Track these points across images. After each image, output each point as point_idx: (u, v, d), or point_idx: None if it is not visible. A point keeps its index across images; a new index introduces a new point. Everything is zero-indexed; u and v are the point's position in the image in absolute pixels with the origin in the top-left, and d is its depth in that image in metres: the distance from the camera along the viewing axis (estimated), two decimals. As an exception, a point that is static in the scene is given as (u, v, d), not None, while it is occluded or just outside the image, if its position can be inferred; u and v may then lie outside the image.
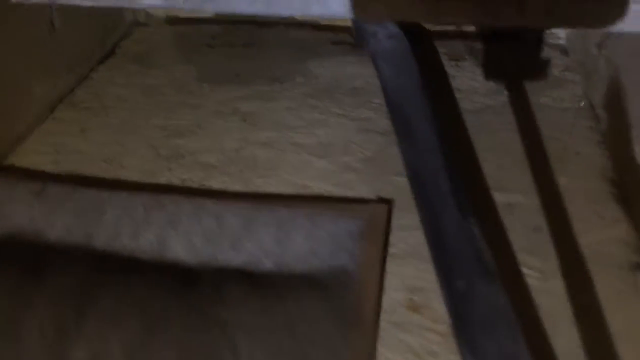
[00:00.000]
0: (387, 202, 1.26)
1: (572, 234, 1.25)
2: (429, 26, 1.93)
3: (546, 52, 1.91)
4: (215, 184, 1.31)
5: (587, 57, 1.69)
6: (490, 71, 1.79)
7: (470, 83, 1.76)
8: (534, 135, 1.54)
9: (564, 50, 1.90)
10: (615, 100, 1.44)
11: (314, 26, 1.99)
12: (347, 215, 1.18)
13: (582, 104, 1.65)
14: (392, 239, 1.21)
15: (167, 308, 0.95)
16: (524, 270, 1.18)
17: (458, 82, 1.76)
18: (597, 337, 1.06)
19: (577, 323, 1.07)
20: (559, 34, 1.96)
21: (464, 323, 0.88)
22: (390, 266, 1.15)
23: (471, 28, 2.01)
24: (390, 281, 1.13)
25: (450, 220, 1.01)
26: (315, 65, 1.79)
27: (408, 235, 1.20)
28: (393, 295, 1.10)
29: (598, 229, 1.26)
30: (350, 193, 1.31)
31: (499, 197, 1.34)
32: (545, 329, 1.07)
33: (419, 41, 1.41)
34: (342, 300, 1.00)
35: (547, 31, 1.98)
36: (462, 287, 0.92)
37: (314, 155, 1.43)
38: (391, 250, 1.19)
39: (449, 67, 1.84)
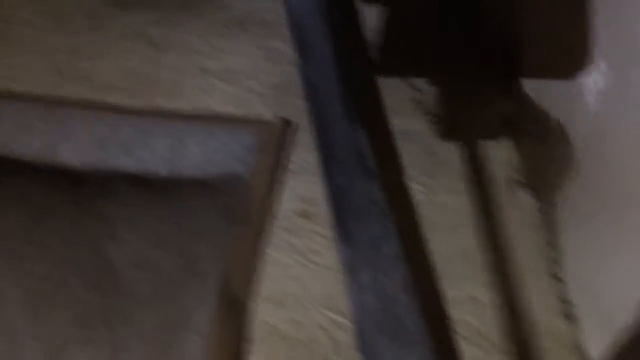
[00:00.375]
0: (286, 122, 1.29)
1: (460, 157, 1.32)
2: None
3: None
4: (115, 101, 1.29)
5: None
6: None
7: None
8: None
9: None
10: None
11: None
12: (244, 130, 1.20)
13: None
14: (293, 157, 1.25)
15: (53, 202, 0.95)
16: (415, 185, 1.24)
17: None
18: (475, 243, 1.14)
19: (458, 232, 1.15)
20: None
21: (341, 214, 0.93)
22: (288, 180, 1.19)
23: None
24: (286, 193, 1.17)
25: (339, 126, 1.05)
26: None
27: (308, 154, 1.24)
28: (287, 205, 1.14)
29: (486, 149, 1.34)
30: (251, 114, 1.33)
31: (396, 123, 1.39)
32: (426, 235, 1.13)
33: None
34: (231, 201, 1.02)
35: None
36: (342, 183, 0.96)
37: (219, 79, 1.43)
38: (290, 166, 1.23)
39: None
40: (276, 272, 1.01)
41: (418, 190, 1.22)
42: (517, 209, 1.21)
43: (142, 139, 1.09)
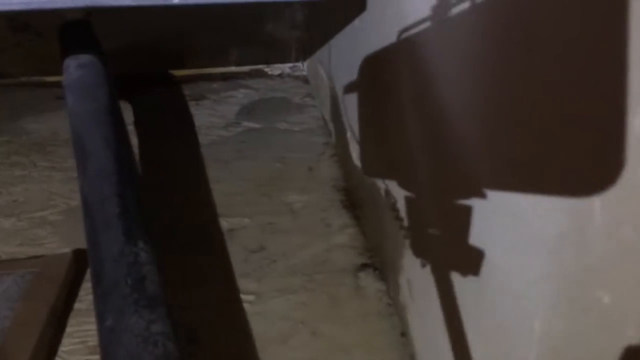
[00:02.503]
0: (78, 253, 1.06)
1: (296, 248, 1.14)
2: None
3: (291, 83, 1.90)
4: None
5: (317, 79, 1.69)
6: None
7: (209, 119, 1.65)
8: (269, 158, 1.46)
9: (305, 80, 1.90)
10: (335, 109, 1.41)
11: (38, 84, 1.79)
12: (16, 274, 0.95)
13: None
14: (83, 291, 1.01)
15: None
16: (242, 295, 1.04)
17: (197, 119, 1.65)
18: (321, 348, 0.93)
19: (289, 340, 0.94)
20: (302, 66, 1.97)
21: (108, 363, 0.70)
22: (72, 322, 0.95)
23: (215, 70, 1.95)
24: (70, 340, 0.92)
25: (112, 246, 0.84)
26: (29, 122, 1.57)
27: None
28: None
29: (325, 237, 1.18)
30: (38, 250, 1.09)
31: (223, 224, 1.21)
32: (257, 351, 0.92)
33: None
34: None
35: (292, 65, 2.00)
36: (110, 324, 0.74)
37: (2, 215, 1.19)
38: (78, 305, 0.99)
39: (191, 106, 1.73)
40: None
41: (245, 300, 1.02)
42: (363, 298, 1.03)
43: None
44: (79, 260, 1.05)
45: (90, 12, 1.33)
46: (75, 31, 1.48)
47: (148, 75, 1.87)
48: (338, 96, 1.38)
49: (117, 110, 1.16)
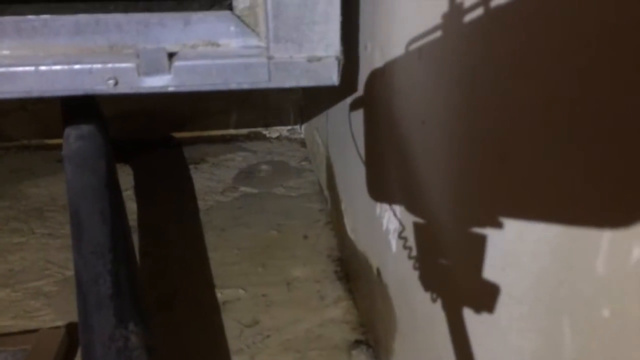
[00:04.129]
0: (71, 328, 1.06)
1: (291, 322, 1.14)
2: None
3: (289, 146, 1.93)
4: None
5: (314, 145, 1.72)
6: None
7: (207, 183, 1.68)
8: (265, 225, 1.47)
9: (302, 143, 1.94)
10: (330, 178, 1.44)
11: (39, 147, 1.82)
12: (9, 352, 0.95)
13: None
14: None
15: None
16: (234, 374, 1.03)
17: (195, 183, 1.68)
18: None
19: None
20: (299, 129, 2.01)
21: None
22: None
23: (214, 132, 1.99)
24: None
25: (103, 329, 0.84)
26: (29, 185, 1.60)
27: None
28: None
29: (319, 311, 1.18)
30: (31, 323, 1.09)
31: (219, 295, 1.21)
32: None
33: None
34: None
35: (289, 127, 2.04)
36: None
37: (-1, 285, 1.19)
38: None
39: (190, 169, 1.76)
40: None
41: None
42: (356, 378, 1.02)
43: None
44: (72, 335, 1.05)
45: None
46: (77, 100, 1.52)
47: (148, 138, 1.91)
48: (333, 165, 1.40)
49: (115, 183, 1.19)
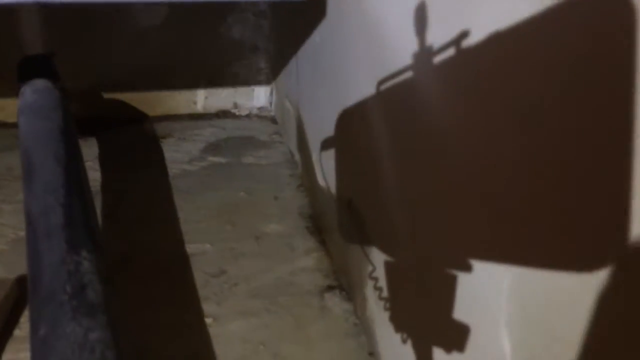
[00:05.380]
0: (21, 280, 0.98)
1: (260, 271, 1.08)
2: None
3: (259, 123, 1.89)
4: None
5: (283, 111, 1.68)
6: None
7: (173, 155, 1.62)
8: (233, 189, 1.41)
9: (273, 120, 1.89)
10: (301, 137, 1.39)
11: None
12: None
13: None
14: (24, 318, 0.94)
15: None
16: (205, 318, 0.96)
17: (161, 155, 1.62)
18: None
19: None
20: (269, 107, 1.97)
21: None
22: (9, 348, 0.86)
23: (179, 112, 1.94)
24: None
25: (53, 255, 0.77)
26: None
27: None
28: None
29: (289, 261, 1.12)
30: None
31: (184, 251, 1.15)
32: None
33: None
34: None
35: (259, 106, 1.99)
36: (43, 333, 0.67)
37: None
38: (17, 332, 0.91)
39: (156, 143, 1.70)
40: None
41: (196, 321, 0.95)
42: (329, 319, 0.97)
43: None
44: (22, 287, 0.97)
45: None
46: (33, 62, 1.46)
47: (115, 116, 1.84)
48: (304, 123, 1.36)
49: (71, 131, 1.12)
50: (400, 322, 0.74)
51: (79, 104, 1.75)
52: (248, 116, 1.95)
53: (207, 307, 0.98)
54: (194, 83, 1.89)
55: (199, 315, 0.96)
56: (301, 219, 1.29)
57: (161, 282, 1.05)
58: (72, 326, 0.66)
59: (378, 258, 0.79)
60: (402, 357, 0.76)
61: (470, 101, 0.52)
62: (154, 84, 1.86)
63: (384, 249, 0.77)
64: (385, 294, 0.75)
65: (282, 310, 0.98)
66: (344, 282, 1.04)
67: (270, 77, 1.87)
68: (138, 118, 1.88)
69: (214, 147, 1.68)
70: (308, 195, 1.36)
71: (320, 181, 1.19)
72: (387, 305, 0.74)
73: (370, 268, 0.79)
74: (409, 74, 0.64)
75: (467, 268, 0.54)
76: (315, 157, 1.24)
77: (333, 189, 1.07)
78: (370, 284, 0.86)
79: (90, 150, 1.59)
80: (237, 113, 1.96)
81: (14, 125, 1.67)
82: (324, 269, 1.10)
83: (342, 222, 0.98)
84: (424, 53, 0.60)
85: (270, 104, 1.97)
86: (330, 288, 1.04)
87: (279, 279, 1.06)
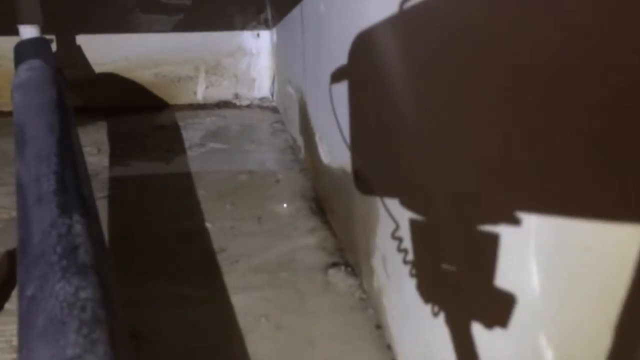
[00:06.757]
0: (13, 254, 0.94)
1: (261, 249, 1.04)
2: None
3: (260, 112, 1.86)
4: None
5: (285, 99, 1.65)
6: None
7: (172, 141, 1.58)
8: (234, 172, 1.37)
9: (274, 110, 1.86)
10: (304, 119, 1.35)
11: None
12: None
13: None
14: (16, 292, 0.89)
15: None
16: (204, 291, 0.92)
17: (160, 141, 1.58)
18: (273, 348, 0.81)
19: (250, 334, 0.82)
20: (271, 98, 1.94)
21: (25, 329, 0.59)
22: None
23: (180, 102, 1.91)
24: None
25: (44, 218, 0.73)
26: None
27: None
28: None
29: (292, 239, 1.08)
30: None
31: (182, 229, 1.11)
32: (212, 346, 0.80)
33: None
34: None
35: (261, 97, 1.96)
36: (31, 292, 0.63)
37: None
38: (8, 305, 0.87)
39: (155, 131, 1.67)
40: None
41: (201, 297, 0.90)
42: (334, 293, 0.92)
43: None
44: (14, 261, 0.93)
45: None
46: (29, 44, 1.43)
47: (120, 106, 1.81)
48: (307, 104, 1.32)
49: (65, 105, 1.09)
50: (430, 291, 0.65)
51: (87, 94, 1.74)
52: (249, 106, 1.92)
53: (207, 281, 0.94)
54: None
55: (199, 289, 0.92)
56: (304, 200, 1.25)
57: (160, 257, 1.01)
58: (62, 284, 0.62)
59: (401, 215, 0.71)
60: (412, 328, 0.71)
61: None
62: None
63: (409, 203, 0.68)
64: (410, 256, 0.69)
65: (284, 285, 0.93)
66: (350, 259, 1.00)
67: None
68: (142, 107, 1.84)
69: (214, 134, 1.64)
70: (311, 178, 1.32)
71: (324, 159, 1.15)
72: (414, 271, 0.68)
73: (393, 226, 0.73)
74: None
75: (515, 221, 0.46)
76: (318, 136, 1.20)
77: (347, 146, 1.03)
78: (377, 248, 0.82)
79: (86, 137, 1.56)
80: (238, 103, 1.93)
81: (9, 114, 1.65)
82: (328, 247, 1.06)
83: (361, 176, 0.89)
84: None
85: (272, 94, 1.94)
86: (334, 265, 1.00)
87: (281, 256, 1.02)
